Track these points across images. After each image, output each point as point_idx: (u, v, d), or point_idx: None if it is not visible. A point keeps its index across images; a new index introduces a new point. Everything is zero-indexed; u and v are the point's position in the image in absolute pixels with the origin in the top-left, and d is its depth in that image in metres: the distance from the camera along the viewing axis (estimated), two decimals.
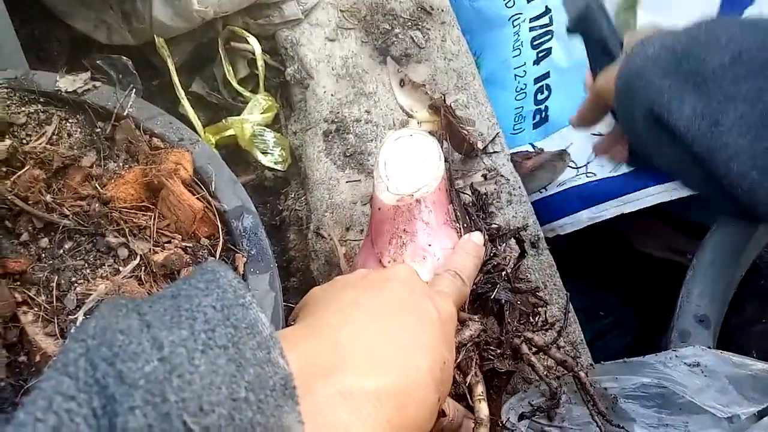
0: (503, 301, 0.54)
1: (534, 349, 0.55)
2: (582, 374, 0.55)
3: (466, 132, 0.75)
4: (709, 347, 0.61)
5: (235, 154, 0.94)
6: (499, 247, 0.60)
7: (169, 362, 0.26)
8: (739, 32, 0.53)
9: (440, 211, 0.58)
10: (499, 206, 0.83)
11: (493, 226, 0.63)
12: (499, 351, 0.53)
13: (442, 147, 0.60)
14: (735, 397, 0.59)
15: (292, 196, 0.91)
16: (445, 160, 0.59)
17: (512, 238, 0.63)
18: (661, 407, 0.61)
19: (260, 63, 0.93)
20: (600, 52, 0.72)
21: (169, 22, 0.87)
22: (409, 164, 0.57)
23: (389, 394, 0.34)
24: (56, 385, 0.24)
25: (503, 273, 0.55)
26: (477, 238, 0.56)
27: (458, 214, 0.60)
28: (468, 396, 0.48)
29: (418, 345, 0.38)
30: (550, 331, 0.62)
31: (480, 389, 0.48)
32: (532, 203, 0.84)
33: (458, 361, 0.49)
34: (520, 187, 0.85)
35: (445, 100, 0.70)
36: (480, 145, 0.83)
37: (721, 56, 0.53)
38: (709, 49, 0.53)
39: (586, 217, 0.87)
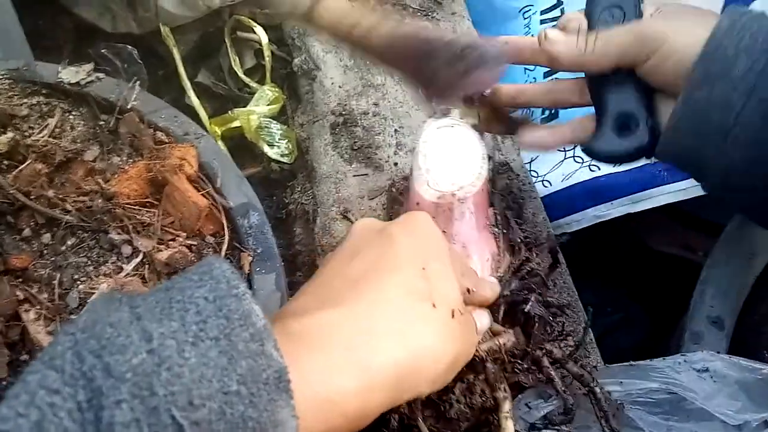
0: (534, 314, 0.53)
1: (552, 361, 0.54)
2: (597, 390, 0.54)
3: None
4: (719, 352, 0.60)
5: (240, 146, 0.93)
6: (533, 255, 0.57)
7: (157, 355, 0.25)
8: None
9: (481, 214, 0.55)
10: None
11: (527, 233, 0.61)
12: (525, 366, 0.52)
13: (484, 142, 0.56)
14: (745, 403, 0.58)
15: (299, 189, 0.90)
16: (489, 158, 0.55)
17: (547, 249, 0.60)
18: (669, 414, 0.60)
19: (267, 53, 0.92)
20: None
21: (174, 10, 0.86)
22: (451, 159, 0.53)
23: (340, 321, 0.33)
24: (41, 378, 0.24)
25: (537, 280, 0.54)
26: (484, 322, 0.48)
27: (498, 218, 0.57)
28: (495, 411, 0.47)
29: (378, 267, 0.37)
30: (566, 341, 0.61)
31: (507, 407, 0.48)
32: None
33: (488, 374, 0.48)
34: (530, 183, 0.84)
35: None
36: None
37: None
38: None
39: (592, 215, 0.86)
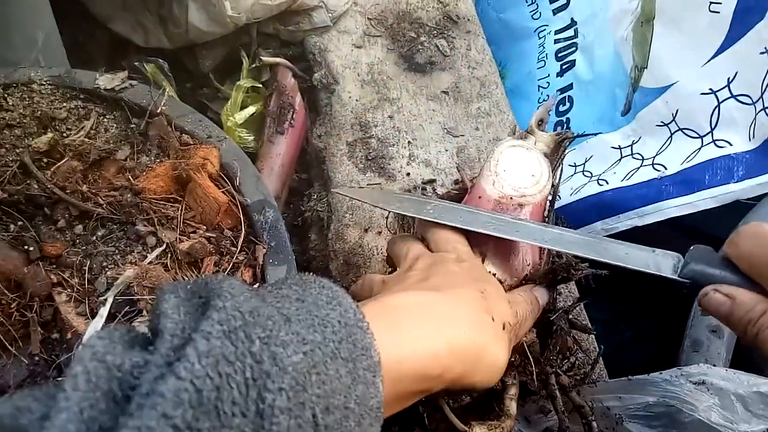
0: (556, 326, 0.56)
1: (558, 386, 0.57)
2: (594, 425, 0.56)
3: None
4: (715, 365, 0.61)
5: None
6: (571, 274, 0.57)
7: (311, 359, 0.29)
8: None
9: None
10: None
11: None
12: (535, 371, 0.54)
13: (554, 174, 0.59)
14: (743, 414, 0.59)
15: (315, 197, 0.93)
16: (552, 185, 0.58)
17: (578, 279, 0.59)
18: (667, 427, 0.61)
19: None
20: None
21: (203, 26, 0.91)
22: (520, 173, 0.57)
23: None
24: (221, 346, 0.26)
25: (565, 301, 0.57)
26: (542, 296, 0.54)
27: None
28: (502, 392, 0.51)
29: (450, 284, 0.42)
30: (574, 376, 0.63)
31: (514, 390, 0.51)
32: None
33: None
34: None
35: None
36: None
37: None
38: None
39: (600, 229, 0.88)
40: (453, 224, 0.53)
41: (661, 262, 0.47)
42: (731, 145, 0.79)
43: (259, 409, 0.25)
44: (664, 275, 0.46)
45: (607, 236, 0.88)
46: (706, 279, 0.44)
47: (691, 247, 0.46)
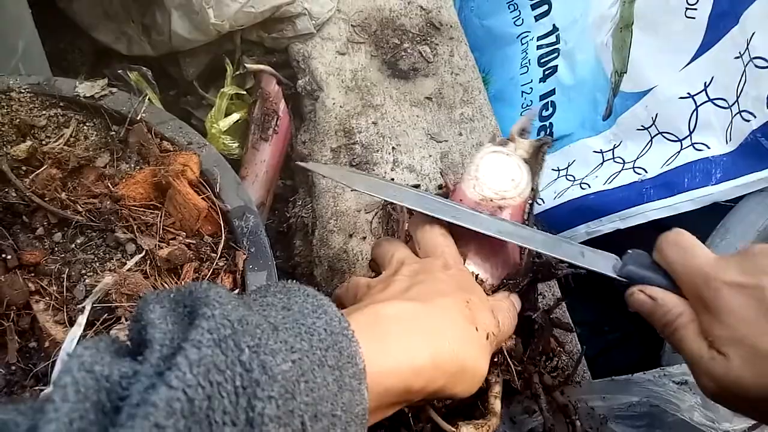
0: (537, 325, 0.56)
1: (541, 385, 0.57)
2: (578, 423, 0.57)
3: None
4: None
5: None
6: (550, 271, 0.59)
7: (299, 367, 0.29)
8: None
9: None
10: None
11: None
12: (519, 368, 0.55)
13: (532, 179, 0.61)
14: (725, 413, 0.60)
15: (300, 203, 0.94)
16: (532, 189, 0.60)
17: (556, 279, 0.61)
18: (651, 427, 0.61)
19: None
20: None
21: (187, 34, 0.91)
22: (499, 177, 0.59)
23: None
24: (212, 355, 0.26)
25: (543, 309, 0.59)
26: (516, 300, 0.55)
27: None
28: (486, 390, 0.51)
29: (436, 293, 0.42)
30: (557, 377, 0.64)
31: (498, 389, 0.52)
32: None
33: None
34: None
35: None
36: None
37: None
38: None
39: (583, 232, 0.88)
40: (421, 210, 0.53)
41: (601, 262, 0.49)
42: (709, 148, 0.80)
43: (249, 418, 0.26)
44: (603, 273, 0.48)
45: (590, 239, 0.90)
46: (641, 279, 0.46)
47: (629, 251, 0.48)
